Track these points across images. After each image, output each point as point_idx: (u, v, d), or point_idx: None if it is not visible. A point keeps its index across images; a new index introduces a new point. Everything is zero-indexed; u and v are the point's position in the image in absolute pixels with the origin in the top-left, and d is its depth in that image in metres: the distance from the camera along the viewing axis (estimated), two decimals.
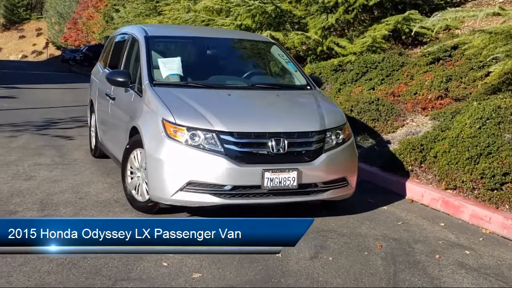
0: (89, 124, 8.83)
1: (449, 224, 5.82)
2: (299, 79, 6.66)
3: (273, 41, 7.30)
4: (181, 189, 5.29)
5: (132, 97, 6.19)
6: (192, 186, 5.27)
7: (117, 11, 40.04)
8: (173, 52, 6.55)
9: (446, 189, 6.44)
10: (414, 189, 6.66)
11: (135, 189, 5.87)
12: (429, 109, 9.84)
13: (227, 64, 6.92)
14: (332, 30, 14.30)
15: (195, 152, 5.26)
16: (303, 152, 5.45)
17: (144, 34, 6.69)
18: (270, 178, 5.27)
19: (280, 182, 5.30)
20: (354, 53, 12.35)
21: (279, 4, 13.22)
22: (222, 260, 4.59)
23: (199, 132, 5.30)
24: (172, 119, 5.38)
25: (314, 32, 13.58)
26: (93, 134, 8.47)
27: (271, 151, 5.32)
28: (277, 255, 4.71)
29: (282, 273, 4.42)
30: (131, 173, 5.93)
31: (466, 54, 7.78)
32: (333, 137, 5.64)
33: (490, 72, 7.35)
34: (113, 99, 6.87)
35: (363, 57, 11.93)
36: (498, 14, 6.43)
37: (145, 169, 5.69)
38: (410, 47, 13.20)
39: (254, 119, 5.54)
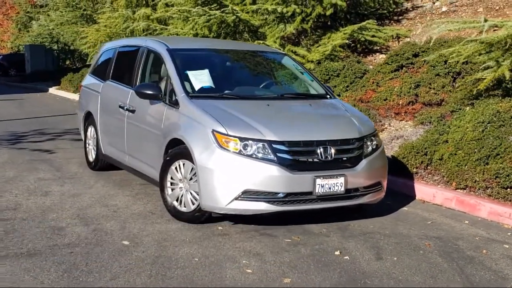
0: (83, 137, 8.75)
1: (473, 221, 6.28)
2: (318, 88, 6.97)
3: (284, 52, 7.55)
4: (236, 198, 5.47)
5: (164, 109, 6.29)
6: (247, 194, 5.46)
7: (31, 19, 38.96)
8: (196, 65, 6.66)
9: (456, 189, 6.90)
10: (423, 190, 7.09)
11: (177, 200, 5.97)
12: (402, 114, 10.40)
13: (248, 75, 7.15)
14: (287, 39, 14.73)
15: (250, 162, 5.46)
16: (347, 158, 5.76)
17: (165, 47, 6.80)
18: (321, 185, 5.54)
19: (329, 188, 5.59)
20: (312, 61, 12.79)
21: (238, 14, 13.48)
22: (298, 266, 4.81)
23: (251, 142, 5.50)
24: (223, 130, 5.55)
25: (273, 41, 13.94)
26: (90, 147, 8.43)
27: (321, 158, 5.60)
28: (346, 257, 4.98)
29: (362, 274, 4.69)
30: (172, 184, 6.03)
31: (452, 61, 8.30)
32: (368, 143, 5.98)
33: (478, 78, 7.91)
34: (132, 111, 6.92)
35: (324, 65, 12.37)
36: (496, 26, 6.97)
37: (190, 179, 5.82)
38: (362, 55, 13.82)
39: (300, 128, 5.80)
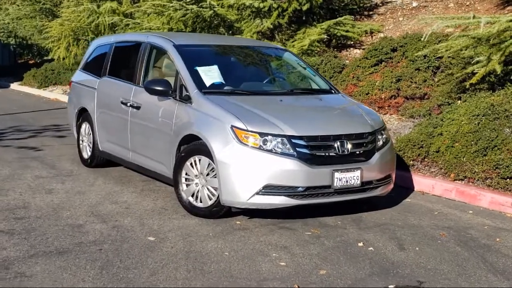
0: (76, 134, 8.67)
1: (476, 211, 6.51)
2: (321, 84, 7.10)
3: (285, 48, 7.65)
4: (257, 193, 5.56)
5: (175, 105, 6.32)
6: (268, 189, 5.56)
7: None
8: (203, 61, 6.71)
9: (455, 180, 7.13)
10: (422, 182, 7.30)
11: (192, 196, 6.02)
12: (386, 107, 10.63)
13: (253, 71, 7.23)
14: (262, 34, 14.81)
15: (270, 157, 5.55)
16: (362, 152, 5.91)
17: (171, 43, 6.81)
18: (339, 178, 5.68)
19: (346, 181, 5.73)
20: None
21: (215, 9, 13.50)
22: (328, 257, 4.93)
23: (270, 137, 5.59)
24: (242, 126, 5.63)
25: (250, 36, 14.01)
26: (85, 144, 8.37)
27: (338, 152, 5.73)
28: (370, 248, 5.12)
29: (392, 264, 4.84)
30: (186, 180, 6.07)
31: (444, 55, 8.54)
32: (379, 137, 6.14)
33: (467, 72, 8.17)
34: (137, 108, 6.92)
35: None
36: (491, 23, 7.22)
37: (207, 175, 5.87)
38: (336, 50, 14.02)
39: (316, 123, 5.92)
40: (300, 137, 5.63)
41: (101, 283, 4.26)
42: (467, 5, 13.69)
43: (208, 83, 6.37)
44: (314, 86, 7.13)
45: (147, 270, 4.53)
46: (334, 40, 13.76)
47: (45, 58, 31.19)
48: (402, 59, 10.65)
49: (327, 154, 5.70)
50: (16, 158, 8.79)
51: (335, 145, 5.72)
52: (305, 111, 6.27)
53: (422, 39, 8.94)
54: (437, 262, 4.91)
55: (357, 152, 5.87)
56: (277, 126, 5.64)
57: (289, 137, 5.60)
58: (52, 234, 5.31)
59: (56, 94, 19.58)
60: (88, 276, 4.37)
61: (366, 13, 15.31)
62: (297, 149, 5.59)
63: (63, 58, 20.24)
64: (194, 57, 6.67)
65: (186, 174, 6.06)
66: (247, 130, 5.61)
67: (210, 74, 6.42)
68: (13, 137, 10.82)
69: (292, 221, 5.90)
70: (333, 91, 6.98)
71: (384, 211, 6.34)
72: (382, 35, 13.33)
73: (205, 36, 10.16)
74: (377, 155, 5.99)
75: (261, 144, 5.57)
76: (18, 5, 31.05)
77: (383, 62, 10.88)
